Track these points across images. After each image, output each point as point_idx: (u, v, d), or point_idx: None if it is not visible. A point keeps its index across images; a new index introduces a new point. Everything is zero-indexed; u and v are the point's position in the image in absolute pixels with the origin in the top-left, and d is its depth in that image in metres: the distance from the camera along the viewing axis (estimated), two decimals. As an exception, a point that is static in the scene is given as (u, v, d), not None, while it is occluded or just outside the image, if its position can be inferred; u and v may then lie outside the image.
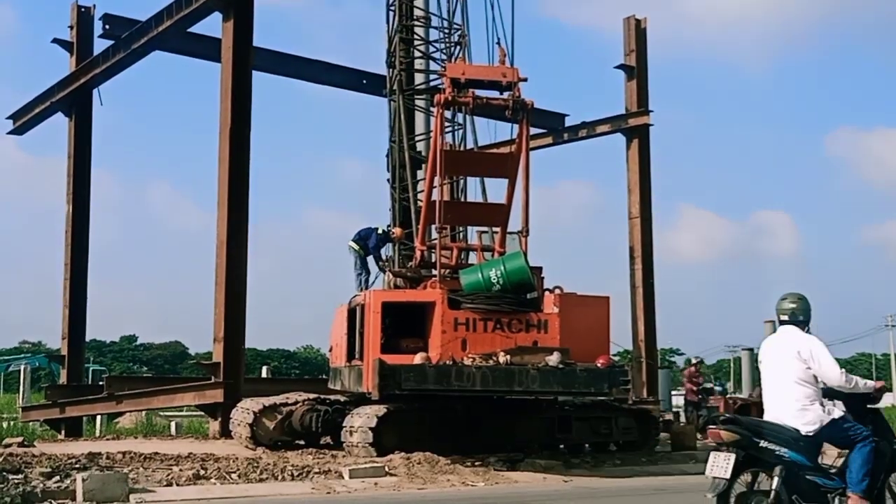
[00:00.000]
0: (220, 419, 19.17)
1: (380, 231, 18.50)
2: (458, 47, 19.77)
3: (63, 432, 23.05)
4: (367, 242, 18.10)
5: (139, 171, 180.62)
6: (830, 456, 8.18)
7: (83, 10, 25.20)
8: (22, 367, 39.00)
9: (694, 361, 28.12)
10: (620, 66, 28.01)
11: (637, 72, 27.74)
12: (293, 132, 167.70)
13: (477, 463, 13.79)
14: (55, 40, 25.34)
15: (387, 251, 18.99)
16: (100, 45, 24.36)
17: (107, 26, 23.58)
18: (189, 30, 22.66)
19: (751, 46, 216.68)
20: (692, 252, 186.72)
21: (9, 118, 27.18)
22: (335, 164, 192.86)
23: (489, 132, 20.40)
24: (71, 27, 25.23)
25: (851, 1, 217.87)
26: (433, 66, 20.60)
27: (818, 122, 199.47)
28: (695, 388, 25.57)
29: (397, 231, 18.49)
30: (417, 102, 20.56)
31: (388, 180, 20.62)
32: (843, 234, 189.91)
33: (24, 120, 26.69)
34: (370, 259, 18.20)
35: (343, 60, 27.10)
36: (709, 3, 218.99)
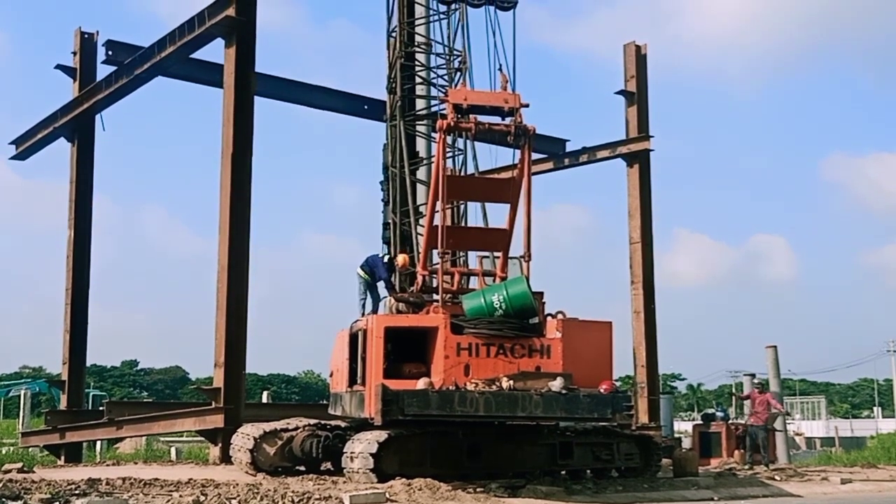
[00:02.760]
0: (220, 445, 19.10)
1: (385, 260, 18.58)
2: (459, 73, 19.86)
3: (63, 458, 22.99)
4: (376, 271, 18.16)
5: (134, 195, 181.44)
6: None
7: (86, 36, 25.33)
8: (22, 393, 38.97)
9: (759, 382, 25.49)
10: (621, 92, 28.13)
11: (637, 97, 27.87)
12: (285, 155, 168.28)
13: (478, 489, 13.70)
14: (58, 66, 25.45)
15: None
16: (102, 70, 24.53)
17: (110, 52, 23.71)
18: (191, 56, 22.78)
19: (742, 72, 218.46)
20: (689, 277, 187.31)
21: (11, 143, 27.27)
22: (329, 187, 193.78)
23: (489, 157, 20.46)
24: (74, 53, 25.35)
25: (842, 28, 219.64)
26: (434, 91, 20.72)
27: (812, 147, 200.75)
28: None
29: (399, 260, 18.52)
30: (418, 128, 20.65)
31: (383, 202, 20.76)
32: (841, 259, 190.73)
33: (27, 145, 26.75)
34: (379, 286, 18.27)
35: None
36: (700, 29, 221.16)
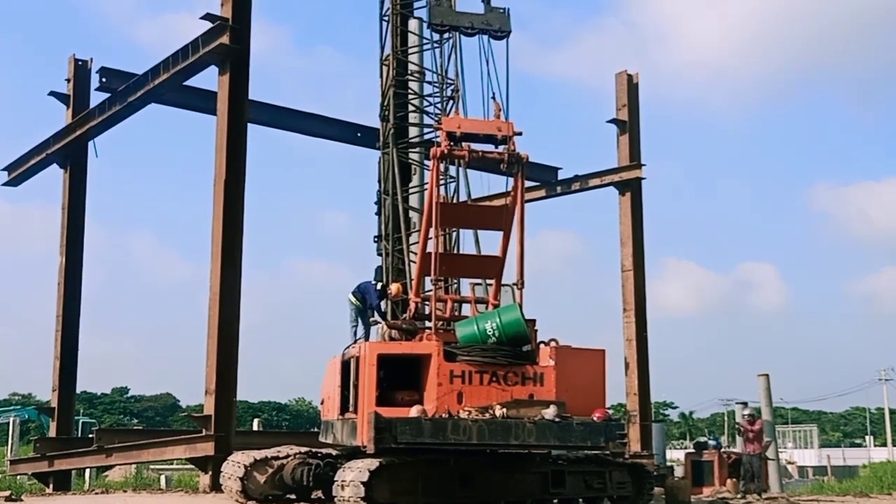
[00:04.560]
0: (210, 473, 18.96)
1: (378, 287, 18.57)
2: (452, 101, 19.97)
3: (51, 486, 22.80)
4: (367, 297, 18.15)
5: (122, 221, 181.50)
6: None
7: (80, 63, 25.41)
8: (11, 420, 38.73)
9: (750, 413, 24.92)
10: (613, 121, 28.31)
11: (629, 126, 28.05)
12: (271, 180, 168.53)
13: (471, 518, 13.63)
14: (52, 93, 25.51)
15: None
16: (96, 97, 24.58)
17: (103, 79, 23.78)
18: (184, 83, 22.82)
19: (727, 102, 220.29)
20: (678, 305, 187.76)
21: (3, 170, 27.25)
22: (317, 214, 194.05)
23: (482, 185, 20.57)
24: (68, 80, 25.42)
25: (825, 60, 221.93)
26: (427, 119, 20.82)
27: (798, 176, 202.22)
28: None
29: (393, 289, 18.52)
30: (411, 155, 20.72)
31: (376, 215, 20.82)
32: (830, 287, 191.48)
33: (19, 172, 26.74)
34: (370, 313, 18.25)
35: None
36: (684, 59, 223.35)
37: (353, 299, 18.39)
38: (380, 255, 20.43)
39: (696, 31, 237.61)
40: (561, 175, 30.28)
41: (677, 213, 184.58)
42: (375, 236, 20.76)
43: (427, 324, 15.93)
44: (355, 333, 18.21)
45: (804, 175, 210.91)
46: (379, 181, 20.87)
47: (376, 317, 18.50)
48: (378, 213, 20.89)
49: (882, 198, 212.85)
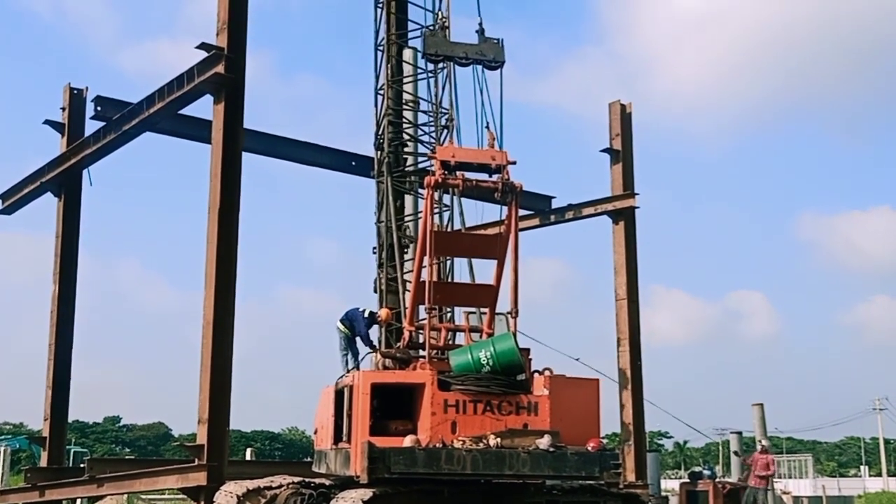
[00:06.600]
0: (202, 502, 18.82)
1: (366, 314, 18.50)
2: (446, 130, 20.06)
3: (42, 516, 22.61)
4: (356, 325, 18.09)
5: (112, 248, 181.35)
6: None
7: (75, 91, 25.47)
8: (2, 449, 38.49)
9: (764, 446, 25.86)
10: (606, 150, 28.43)
11: (623, 155, 28.17)
12: (258, 206, 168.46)
13: (465, 549, 13.54)
14: (47, 121, 25.54)
15: (374, 332, 18.98)
16: (91, 126, 24.60)
17: (98, 108, 23.77)
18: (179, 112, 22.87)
19: (712, 131, 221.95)
20: (669, 333, 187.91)
21: (-2, 197, 27.24)
22: (306, 241, 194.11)
23: (476, 213, 20.62)
24: (63, 109, 25.47)
25: (811, 91, 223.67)
26: (421, 148, 20.90)
27: (784, 205, 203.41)
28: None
29: (382, 314, 18.47)
30: (405, 184, 20.78)
31: (376, 225, 20.83)
32: (821, 316, 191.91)
33: (13, 200, 26.71)
34: (358, 340, 18.19)
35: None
36: (668, 89, 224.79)
37: (342, 327, 18.33)
38: (380, 266, 20.41)
39: (679, 62, 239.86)
40: (554, 204, 30.34)
41: (663, 241, 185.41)
42: (374, 247, 20.76)
43: (421, 353, 15.92)
44: (346, 362, 18.16)
45: (791, 204, 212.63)
46: (378, 197, 20.92)
47: (363, 345, 18.45)
48: (377, 223, 20.91)
49: (868, 227, 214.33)
